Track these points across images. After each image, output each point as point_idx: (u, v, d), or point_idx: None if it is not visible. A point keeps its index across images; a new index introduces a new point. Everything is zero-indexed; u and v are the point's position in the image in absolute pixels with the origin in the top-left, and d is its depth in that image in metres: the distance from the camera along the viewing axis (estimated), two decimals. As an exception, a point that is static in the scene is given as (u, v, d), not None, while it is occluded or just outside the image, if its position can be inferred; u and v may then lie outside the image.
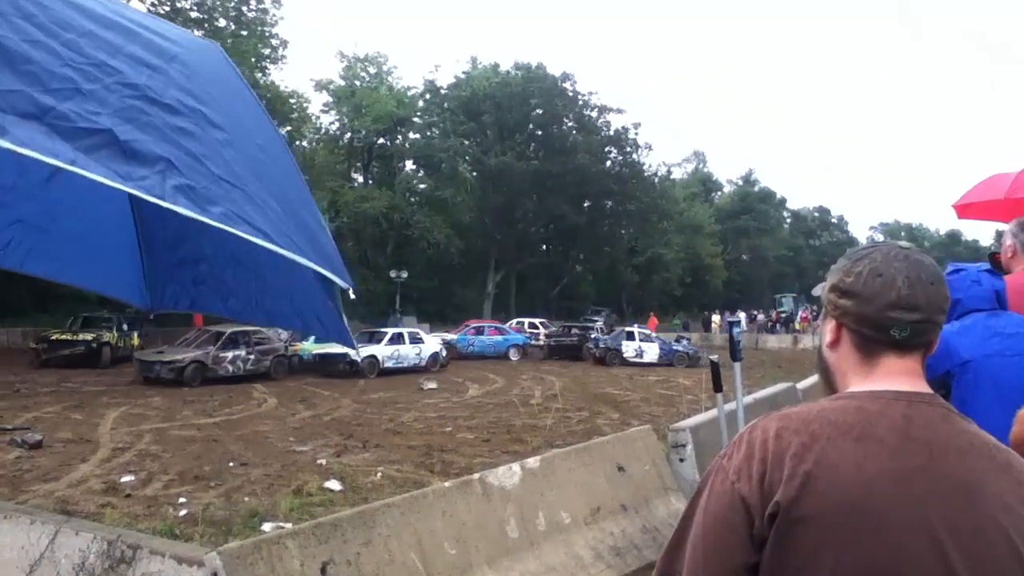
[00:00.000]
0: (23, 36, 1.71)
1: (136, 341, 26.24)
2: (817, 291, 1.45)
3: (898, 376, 1.29)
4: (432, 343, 28.11)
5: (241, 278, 1.99)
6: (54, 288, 27.41)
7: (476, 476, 5.10)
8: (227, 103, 2.11)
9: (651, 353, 30.31)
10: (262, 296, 2.04)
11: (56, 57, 1.73)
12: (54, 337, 24.48)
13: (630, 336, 31.11)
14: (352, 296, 1.93)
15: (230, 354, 22.23)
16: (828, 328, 1.37)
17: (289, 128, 39.60)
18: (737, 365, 6.21)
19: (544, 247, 58.15)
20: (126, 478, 9.85)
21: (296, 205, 2.05)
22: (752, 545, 1.20)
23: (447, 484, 5.05)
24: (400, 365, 26.11)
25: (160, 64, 1.94)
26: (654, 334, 32.87)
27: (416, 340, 27.59)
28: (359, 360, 23.69)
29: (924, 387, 1.30)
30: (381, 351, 25.89)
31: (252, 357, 22.68)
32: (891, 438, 1.22)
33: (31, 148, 1.52)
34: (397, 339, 26.90)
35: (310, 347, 24.57)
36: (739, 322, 6.82)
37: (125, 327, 26.26)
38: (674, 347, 31.25)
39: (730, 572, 1.22)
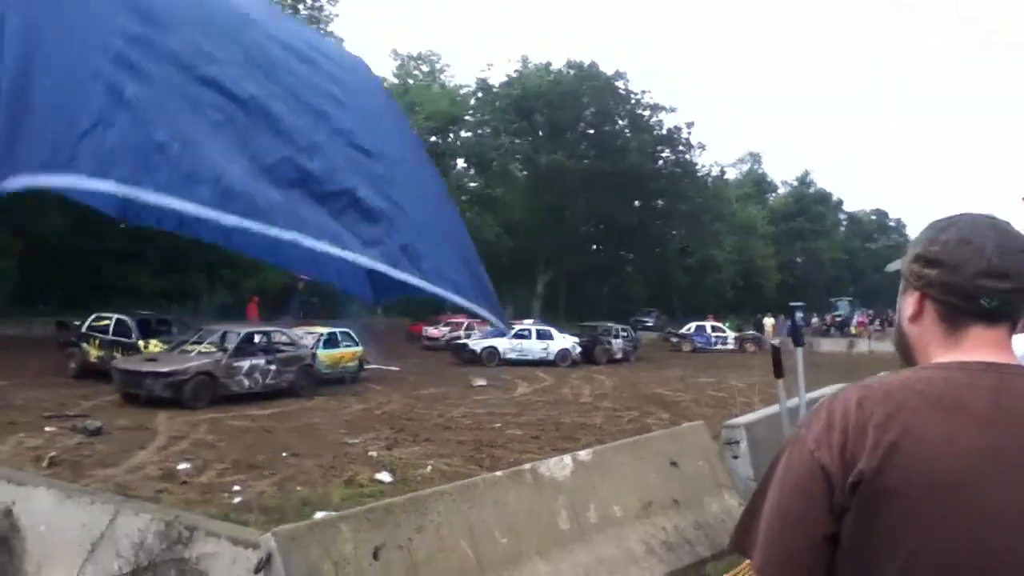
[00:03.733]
0: (267, 91, 1.77)
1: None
2: (894, 266, 1.40)
3: (986, 348, 1.23)
4: (561, 340, 28.67)
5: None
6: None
7: (527, 466, 5.09)
8: (393, 132, 2.20)
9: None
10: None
11: (292, 111, 1.80)
12: None
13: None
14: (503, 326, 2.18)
15: (246, 363, 16.93)
16: (909, 301, 1.32)
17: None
18: (799, 351, 6.13)
19: (595, 247, 57.80)
20: (182, 465, 10.06)
21: (459, 239, 2.16)
22: (832, 515, 1.16)
23: (499, 474, 5.05)
24: (524, 358, 27.37)
25: (346, 100, 2.00)
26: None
27: (544, 336, 28.48)
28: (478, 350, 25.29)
29: (1013, 359, 1.24)
30: (503, 344, 27.39)
31: (273, 368, 17.47)
32: (982, 410, 1.16)
33: (316, 237, 1.65)
34: (524, 334, 28.16)
35: (323, 355, 20.13)
36: (800, 307, 6.67)
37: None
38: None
39: (808, 542, 1.18)
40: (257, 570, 3.92)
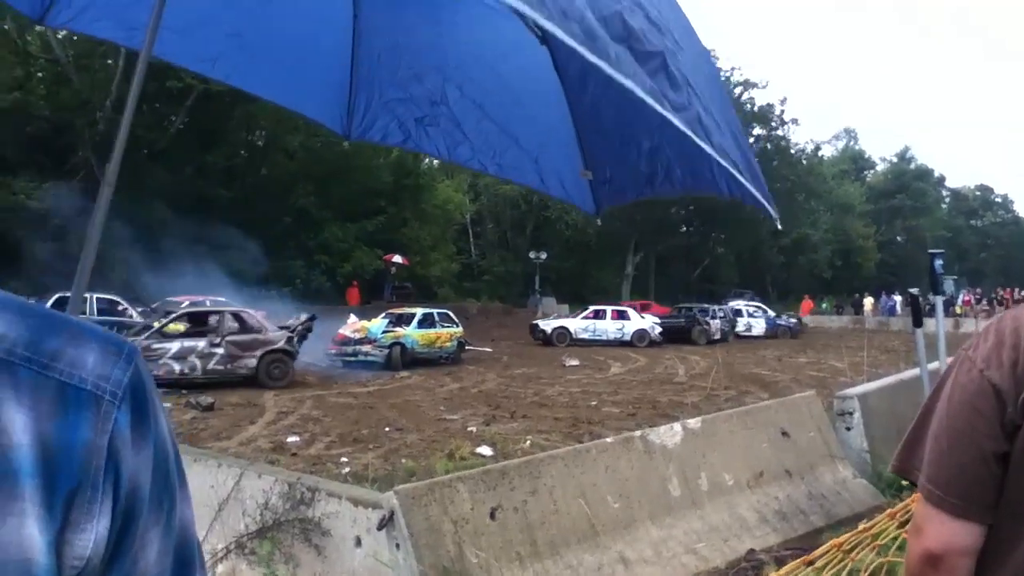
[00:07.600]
0: None
1: None
2: None
3: None
4: (639, 320, 28.25)
5: (484, 129, 1.97)
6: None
7: (637, 433, 5.09)
8: (671, 12, 2.08)
9: (758, 327, 34.10)
10: (503, 150, 2.00)
11: None
12: None
13: (738, 313, 34.55)
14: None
15: (174, 345, 14.92)
16: None
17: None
18: (919, 332, 6.02)
19: (684, 228, 57.02)
20: (291, 439, 10.43)
21: (732, 117, 2.03)
22: (1003, 433, 1.14)
23: (609, 440, 5.06)
24: (597, 338, 27.09)
25: None
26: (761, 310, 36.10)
27: (621, 316, 28.19)
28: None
29: None
30: (574, 324, 27.44)
31: (220, 352, 15.20)
32: None
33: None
34: (597, 314, 28.10)
35: (417, 334, 20.33)
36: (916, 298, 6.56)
37: None
38: (778, 321, 35.23)
39: (978, 460, 1.15)
40: (380, 527, 4.04)
